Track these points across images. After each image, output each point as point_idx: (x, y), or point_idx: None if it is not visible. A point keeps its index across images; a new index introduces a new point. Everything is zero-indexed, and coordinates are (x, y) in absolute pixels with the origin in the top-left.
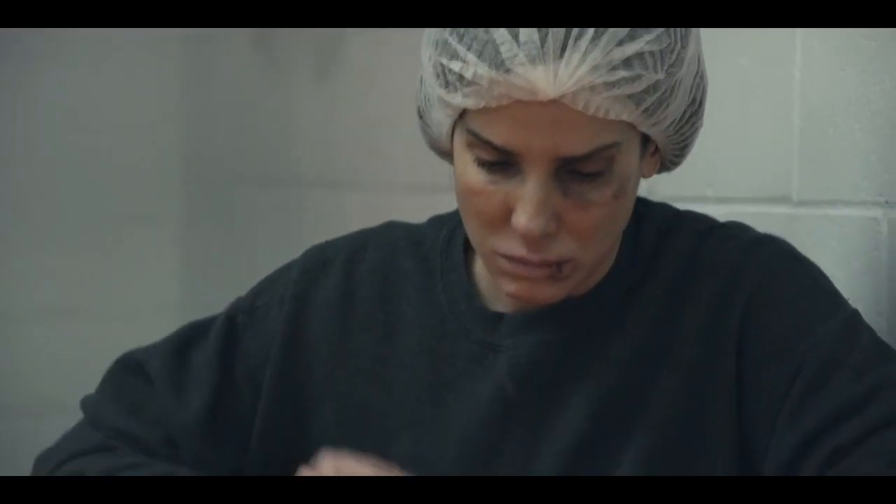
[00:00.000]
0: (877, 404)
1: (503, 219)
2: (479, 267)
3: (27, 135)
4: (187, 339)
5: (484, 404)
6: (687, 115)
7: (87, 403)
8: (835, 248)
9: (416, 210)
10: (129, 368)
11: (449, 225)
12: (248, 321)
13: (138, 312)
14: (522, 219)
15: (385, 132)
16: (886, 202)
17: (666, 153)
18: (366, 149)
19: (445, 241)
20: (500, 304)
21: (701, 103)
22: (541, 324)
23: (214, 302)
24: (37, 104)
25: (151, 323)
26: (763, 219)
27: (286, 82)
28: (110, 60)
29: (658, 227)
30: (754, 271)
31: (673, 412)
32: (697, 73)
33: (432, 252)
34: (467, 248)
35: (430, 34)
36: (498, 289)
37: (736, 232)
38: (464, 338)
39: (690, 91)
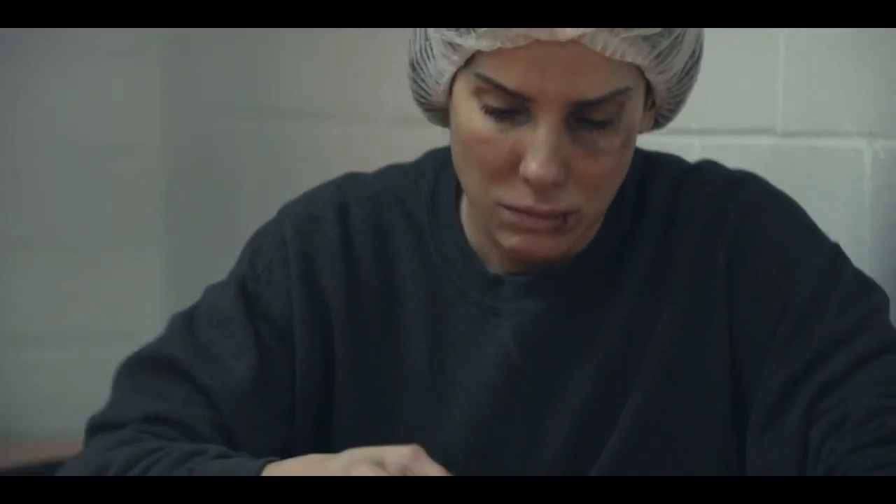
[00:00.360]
0: (862, 337)
1: (510, 169)
2: (469, 226)
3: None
4: (189, 324)
5: (489, 369)
6: (687, 68)
7: (97, 416)
8: (819, 179)
9: (400, 143)
10: (140, 365)
11: (427, 179)
12: (258, 287)
13: (118, 243)
14: (533, 165)
15: (369, 64)
16: (870, 133)
17: (661, 109)
18: (349, 81)
19: (429, 197)
20: (493, 264)
21: (699, 59)
22: (541, 289)
23: (195, 232)
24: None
25: (132, 254)
26: (747, 150)
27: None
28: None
29: (632, 177)
30: (733, 214)
31: (670, 364)
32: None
33: (416, 209)
34: (455, 207)
35: None
36: (491, 247)
37: (709, 174)
38: (461, 300)
39: (693, 42)
